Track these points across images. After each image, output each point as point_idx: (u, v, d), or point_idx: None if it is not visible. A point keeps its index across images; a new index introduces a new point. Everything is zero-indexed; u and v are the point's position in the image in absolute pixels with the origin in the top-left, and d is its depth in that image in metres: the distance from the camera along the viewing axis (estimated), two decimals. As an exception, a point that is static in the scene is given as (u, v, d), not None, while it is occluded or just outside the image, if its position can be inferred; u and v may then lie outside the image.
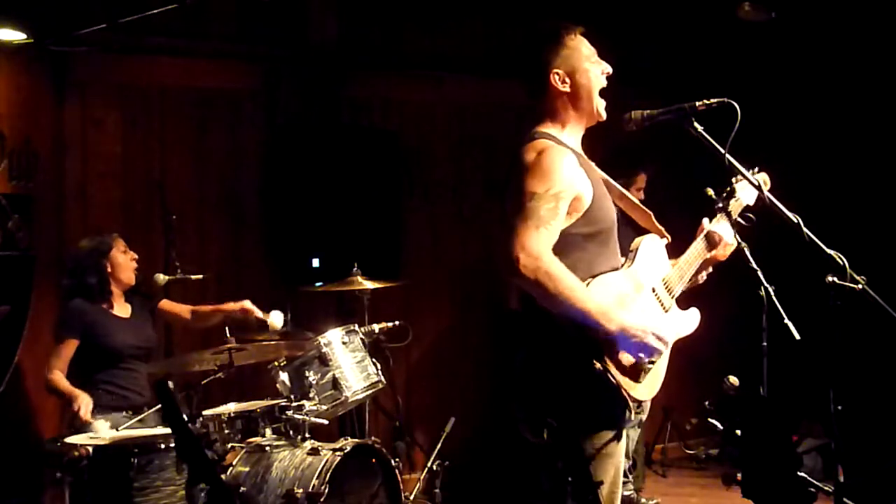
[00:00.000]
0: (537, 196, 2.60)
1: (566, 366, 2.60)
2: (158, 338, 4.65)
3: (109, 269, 4.41)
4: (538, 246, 2.55)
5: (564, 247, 2.64)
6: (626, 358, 2.62)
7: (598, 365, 2.56)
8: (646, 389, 2.70)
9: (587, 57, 2.81)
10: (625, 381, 2.62)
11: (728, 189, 3.01)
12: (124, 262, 4.46)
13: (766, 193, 2.83)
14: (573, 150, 2.78)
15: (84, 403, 4.05)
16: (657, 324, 2.67)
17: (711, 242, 3.00)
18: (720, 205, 2.94)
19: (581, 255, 2.67)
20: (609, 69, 2.84)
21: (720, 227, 3.01)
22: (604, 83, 2.83)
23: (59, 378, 4.23)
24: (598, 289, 2.64)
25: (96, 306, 4.39)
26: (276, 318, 4.35)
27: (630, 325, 2.57)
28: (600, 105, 2.83)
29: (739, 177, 2.95)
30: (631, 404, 2.64)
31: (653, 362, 2.68)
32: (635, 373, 2.65)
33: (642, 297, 2.78)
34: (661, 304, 2.85)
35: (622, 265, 2.83)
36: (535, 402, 2.63)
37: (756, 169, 2.98)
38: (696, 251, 2.99)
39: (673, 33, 6.27)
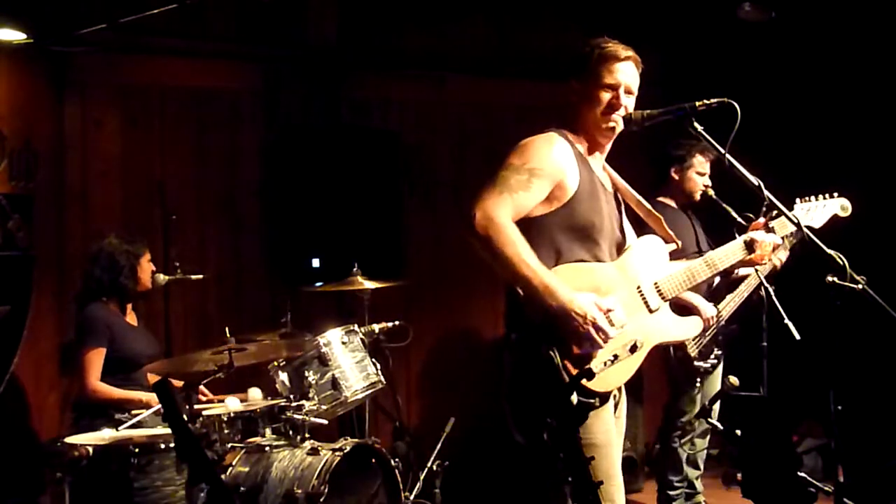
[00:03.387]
0: (512, 167, 2.70)
1: (530, 355, 2.61)
2: (159, 341, 4.68)
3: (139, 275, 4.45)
4: (496, 208, 2.62)
5: (537, 232, 2.69)
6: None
7: (550, 352, 2.56)
8: (602, 381, 2.63)
9: (606, 84, 2.86)
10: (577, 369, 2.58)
11: (767, 208, 3.07)
12: (147, 271, 4.51)
13: (766, 193, 2.84)
14: (574, 148, 2.82)
15: (153, 398, 4.11)
16: (618, 317, 2.64)
17: (750, 247, 3.05)
18: (762, 218, 3.10)
19: (552, 244, 2.70)
20: (626, 106, 2.86)
21: (760, 234, 3.08)
22: (613, 110, 2.85)
23: (107, 387, 4.27)
24: (564, 273, 2.67)
25: (112, 313, 4.41)
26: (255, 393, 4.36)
27: (574, 308, 2.55)
28: (603, 125, 2.86)
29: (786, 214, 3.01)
30: (585, 392, 2.59)
31: (615, 357, 2.64)
32: (590, 361, 2.62)
33: (622, 293, 2.78)
34: (646, 304, 2.85)
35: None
36: (522, 399, 2.65)
37: (836, 194, 3.00)
38: (729, 252, 3.04)
39: (673, 33, 6.27)
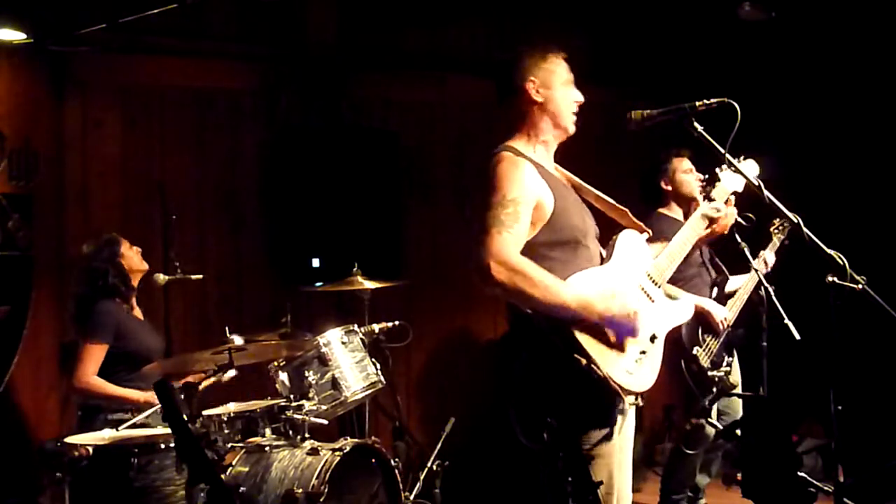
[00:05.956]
0: (494, 204, 2.65)
1: (556, 368, 2.61)
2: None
3: (125, 265, 4.41)
4: (505, 250, 2.59)
5: (531, 258, 2.65)
6: (614, 344, 2.64)
7: (582, 360, 2.58)
8: (637, 381, 2.70)
9: (563, 80, 2.88)
10: (613, 373, 2.62)
11: (708, 177, 3.10)
12: (134, 255, 4.47)
13: (766, 193, 2.84)
14: (533, 161, 2.81)
15: (151, 396, 4.05)
16: (642, 312, 2.70)
17: (708, 219, 3.06)
18: (703, 194, 3.08)
19: (549, 264, 2.67)
20: (581, 99, 2.90)
21: (711, 206, 3.08)
22: (574, 108, 2.88)
23: (102, 382, 4.22)
24: (576, 284, 2.66)
25: (121, 309, 4.38)
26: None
27: (612, 312, 2.61)
28: (569, 121, 2.88)
29: (724, 166, 3.03)
30: (624, 396, 2.65)
31: (643, 353, 2.69)
32: (623, 362, 2.66)
33: (629, 290, 2.80)
34: (648, 297, 2.87)
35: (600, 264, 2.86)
36: (531, 407, 2.64)
37: (742, 157, 3.02)
38: (690, 231, 3.04)
39: (673, 33, 6.27)
